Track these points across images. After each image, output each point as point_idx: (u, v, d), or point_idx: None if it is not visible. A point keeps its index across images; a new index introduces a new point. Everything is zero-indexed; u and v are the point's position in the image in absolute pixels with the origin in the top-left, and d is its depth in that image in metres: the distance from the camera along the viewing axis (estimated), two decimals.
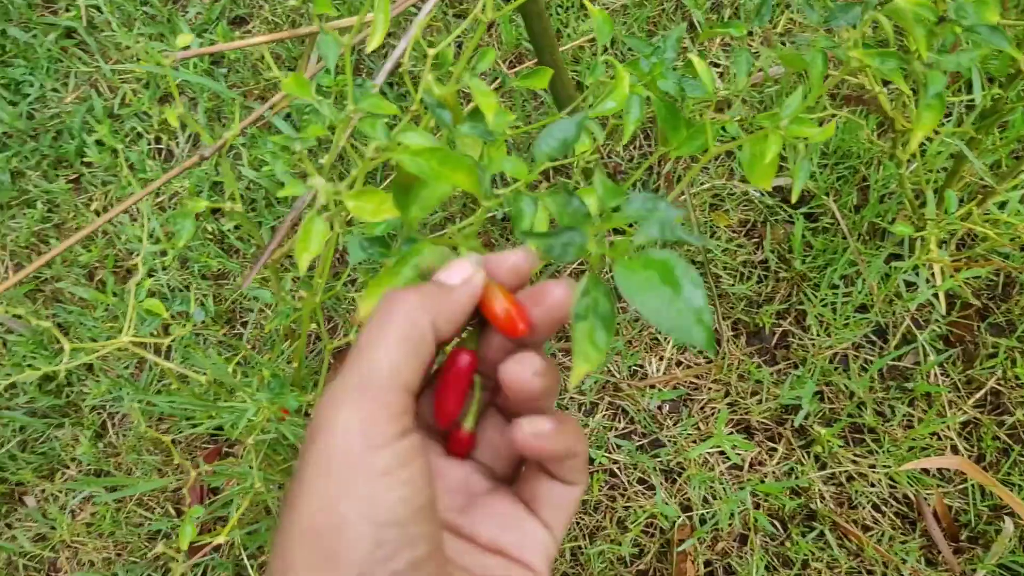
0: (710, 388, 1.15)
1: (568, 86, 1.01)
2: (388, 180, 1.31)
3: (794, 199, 0.57)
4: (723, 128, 0.68)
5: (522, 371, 0.31)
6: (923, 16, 0.49)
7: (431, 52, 0.58)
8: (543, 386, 0.31)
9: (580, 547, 1.09)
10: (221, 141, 0.75)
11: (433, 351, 0.31)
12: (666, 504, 1.07)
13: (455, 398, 0.33)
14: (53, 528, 1.18)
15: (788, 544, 1.06)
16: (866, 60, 0.51)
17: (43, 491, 1.21)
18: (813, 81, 0.62)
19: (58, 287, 1.30)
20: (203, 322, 1.26)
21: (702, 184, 1.21)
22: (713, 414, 1.13)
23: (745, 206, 1.21)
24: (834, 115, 0.86)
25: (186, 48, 1.30)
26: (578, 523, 1.11)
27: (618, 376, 1.17)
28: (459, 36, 1.36)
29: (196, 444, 1.21)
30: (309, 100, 0.53)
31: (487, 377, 0.35)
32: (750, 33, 1.36)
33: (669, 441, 1.13)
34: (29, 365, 1.22)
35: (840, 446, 1.08)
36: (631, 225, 0.34)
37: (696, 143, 0.67)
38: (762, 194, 1.19)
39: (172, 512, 1.18)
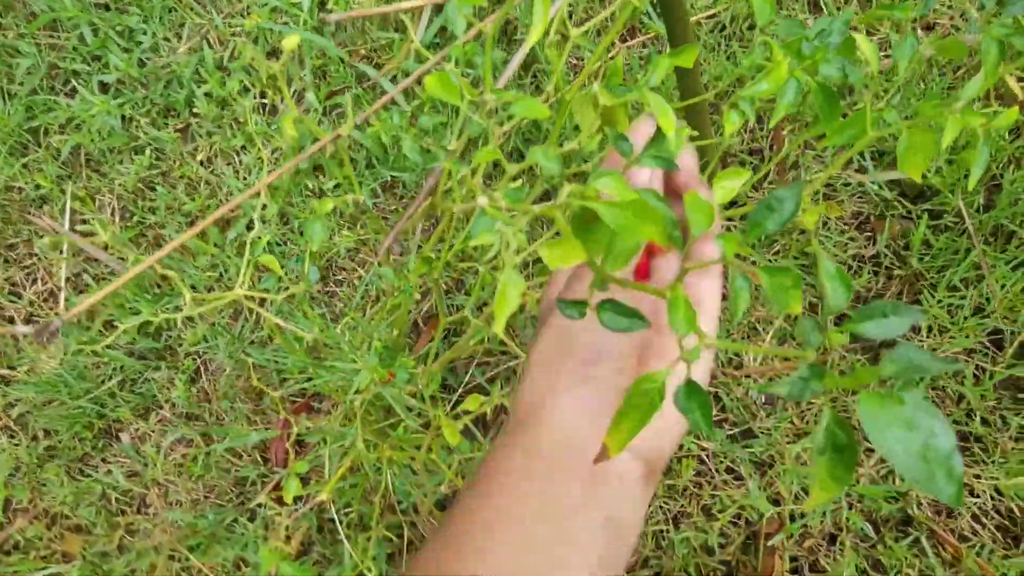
0: None
1: (695, 69, 0.98)
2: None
3: (971, 186, 0.54)
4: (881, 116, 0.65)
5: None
6: None
7: (575, 32, 0.56)
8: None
9: (663, 532, 1.08)
10: (335, 134, 0.75)
11: None
12: (758, 497, 1.05)
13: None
14: (145, 466, 1.22)
15: (880, 548, 1.03)
16: None
17: (137, 430, 1.24)
18: (987, 71, 0.59)
19: (161, 233, 1.33)
20: (295, 277, 1.27)
21: (816, 173, 1.17)
22: (810, 409, 1.10)
23: (859, 198, 1.17)
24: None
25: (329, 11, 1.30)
26: (662, 507, 1.10)
27: (713, 364, 1.14)
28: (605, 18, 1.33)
29: (283, 397, 1.23)
30: (455, 102, 0.52)
31: None
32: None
33: (762, 433, 1.10)
34: (132, 308, 1.25)
35: None
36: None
37: (851, 131, 0.64)
38: (880, 186, 1.15)
39: (259, 460, 1.21)
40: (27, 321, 1.32)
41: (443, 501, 1.11)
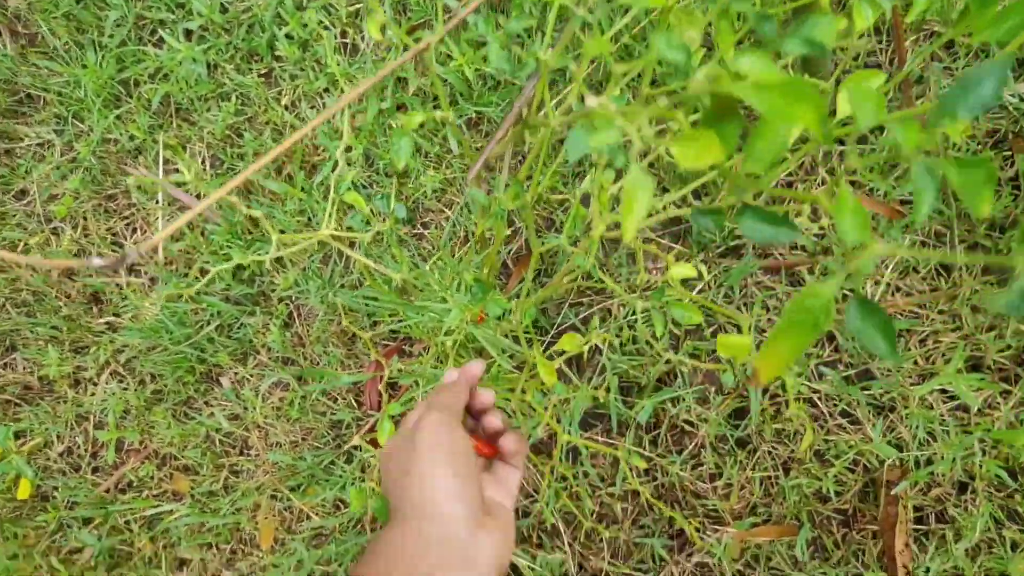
0: (934, 319, 1.02)
1: None
2: None
3: None
4: None
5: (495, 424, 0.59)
6: None
7: None
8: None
9: (773, 478, 1.02)
10: (424, 43, 0.69)
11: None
12: (880, 443, 0.97)
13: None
14: (246, 409, 1.24)
15: (1019, 498, 0.94)
16: None
17: (237, 374, 1.26)
18: None
19: (250, 180, 1.32)
20: (383, 219, 1.25)
21: (945, 88, 1.05)
22: (936, 348, 1.01)
23: (995, 113, 1.04)
24: None
25: None
26: (770, 453, 1.04)
27: None
28: None
29: (375, 340, 1.22)
30: None
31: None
32: None
33: (882, 374, 1.02)
34: (225, 255, 1.26)
35: None
36: None
37: (1009, 24, 0.54)
38: (1020, 98, 1.02)
39: (353, 404, 1.21)
40: (130, 271, 1.35)
41: (539, 445, 1.08)
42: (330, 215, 0.86)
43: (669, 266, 0.63)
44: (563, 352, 0.82)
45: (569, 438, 0.79)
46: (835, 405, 1.03)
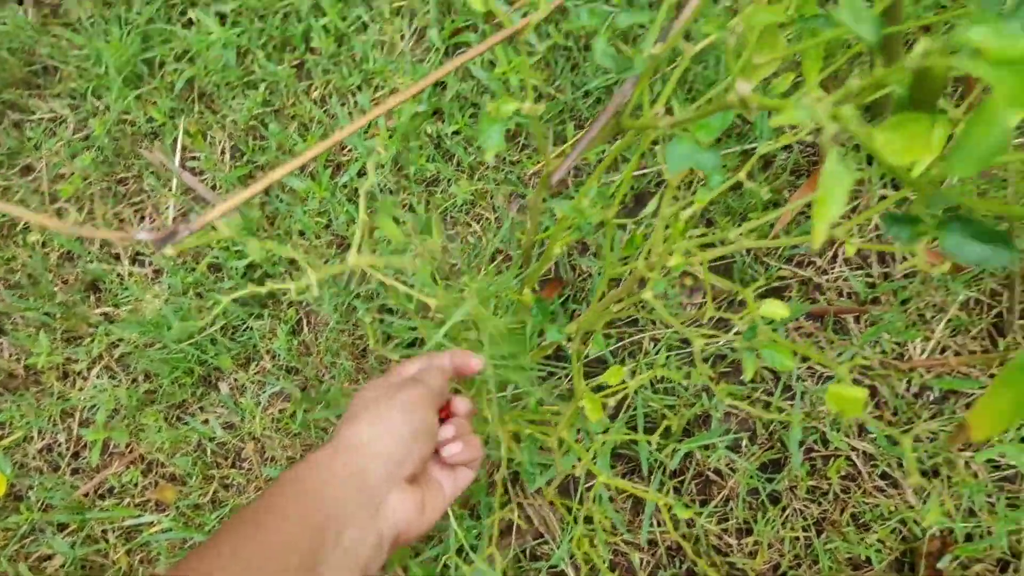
0: (986, 383, 0.97)
1: None
2: None
3: None
4: None
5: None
6: None
7: None
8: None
9: (802, 539, 0.96)
10: (523, 22, 0.63)
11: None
12: (928, 510, 0.91)
13: None
14: (243, 419, 1.17)
15: None
16: None
17: (236, 380, 1.19)
18: None
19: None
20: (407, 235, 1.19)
21: None
22: None
23: None
24: None
25: None
26: (801, 512, 0.97)
27: (871, 353, 1.00)
28: None
29: (384, 358, 1.15)
30: None
31: None
32: None
33: (928, 436, 0.96)
34: (238, 250, 1.20)
35: None
36: None
37: None
38: None
39: None
40: (133, 260, 1.28)
41: (565, 484, 1.01)
42: (359, 238, 0.79)
43: (749, 302, 0.57)
44: (604, 387, 0.76)
45: (609, 480, 0.72)
46: (875, 466, 0.97)
